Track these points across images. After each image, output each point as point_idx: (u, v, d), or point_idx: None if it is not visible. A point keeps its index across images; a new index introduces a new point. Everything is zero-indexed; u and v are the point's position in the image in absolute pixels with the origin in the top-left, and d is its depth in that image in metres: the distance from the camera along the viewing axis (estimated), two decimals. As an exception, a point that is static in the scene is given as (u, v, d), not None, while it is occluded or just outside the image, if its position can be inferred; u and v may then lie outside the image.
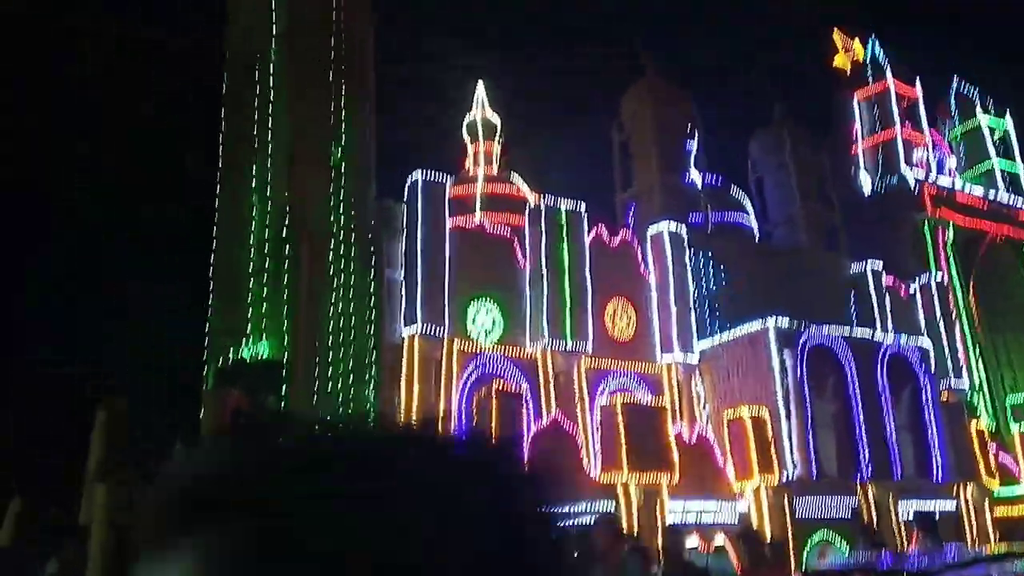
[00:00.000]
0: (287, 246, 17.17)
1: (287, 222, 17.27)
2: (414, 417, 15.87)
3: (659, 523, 20.37)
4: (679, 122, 28.74)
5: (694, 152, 29.65)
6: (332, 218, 18.15)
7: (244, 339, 16.81)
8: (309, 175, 17.63)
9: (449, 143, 25.74)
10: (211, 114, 19.56)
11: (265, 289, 17.06)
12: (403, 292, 20.23)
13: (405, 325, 20.13)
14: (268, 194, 17.77)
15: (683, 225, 25.21)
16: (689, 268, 24.83)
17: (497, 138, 25.95)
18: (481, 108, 26.06)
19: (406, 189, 20.92)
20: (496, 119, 26.09)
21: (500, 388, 19.65)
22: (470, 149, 26.04)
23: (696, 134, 29.62)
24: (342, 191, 18.20)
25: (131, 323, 22.84)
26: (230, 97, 19.03)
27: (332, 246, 17.70)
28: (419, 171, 20.78)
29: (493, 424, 18.92)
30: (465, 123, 26.25)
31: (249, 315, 17.11)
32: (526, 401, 20.54)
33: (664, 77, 29.13)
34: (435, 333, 20.19)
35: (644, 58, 29.80)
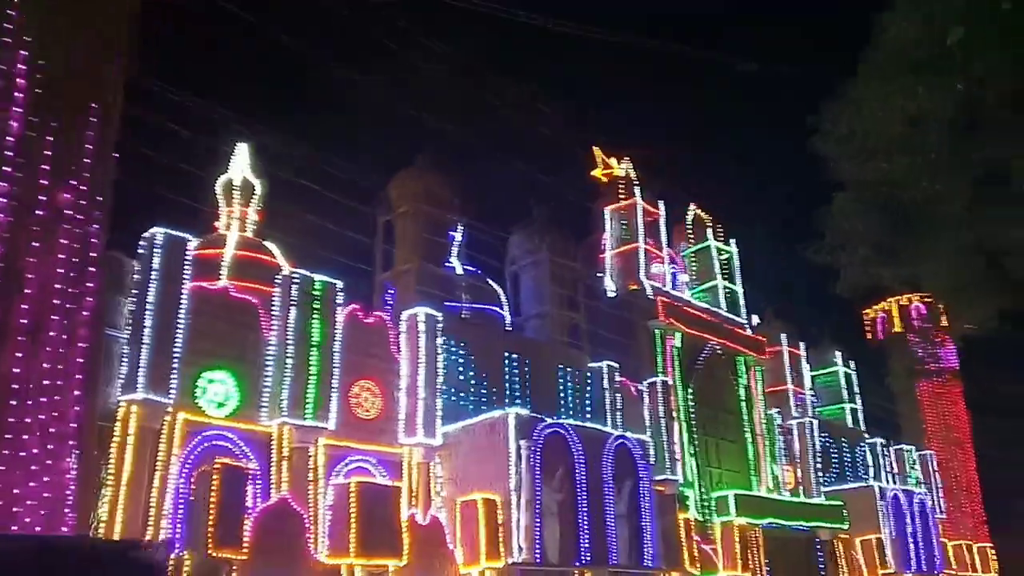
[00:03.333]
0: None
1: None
2: (123, 490, 13.81)
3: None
4: (444, 212, 28.73)
5: (456, 242, 29.71)
6: (48, 265, 15.88)
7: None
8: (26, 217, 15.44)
9: (201, 204, 23.69)
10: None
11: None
12: (125, 354, 18.12)
13: (124, 391, 17.86)
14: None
15: (439, 311, 24.75)
16: (441, 353, 24.30)
17: (254, 203, 24.32)
18: (240, 170, 24.32)
19: (141, 244, 18.84)
20: (256, 183, 24.46)
21: (226, 464, 17.98)
22: (223, 211, 24.15)
23: (459, 225, 29.73)
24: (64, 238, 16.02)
25: None
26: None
27: (44, 295, 15.44)
28: (158, 227, 18.94)
29: (213, 501, 17.25)
30: (220, 183, 24.24)
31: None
32: (254, 478, 18.92)
33: (433, 166, 29.13)
34: (158, 402, 18.10)
35: (417, 147, 29.72)
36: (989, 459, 54.93)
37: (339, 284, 22.20)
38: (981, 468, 54.02)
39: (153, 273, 18.54)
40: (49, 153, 16.32)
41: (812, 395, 43.10)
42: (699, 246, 38.73)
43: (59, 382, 15.80)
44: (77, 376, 15.99)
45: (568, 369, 28.84)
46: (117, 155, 17.64)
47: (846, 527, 34.58)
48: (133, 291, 18.47)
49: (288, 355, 20.65)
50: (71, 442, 15.33)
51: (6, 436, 14.76)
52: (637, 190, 36.19)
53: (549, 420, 23.55)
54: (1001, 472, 56.01)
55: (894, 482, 42.16)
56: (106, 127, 17.89)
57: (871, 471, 42.15)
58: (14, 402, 14.92)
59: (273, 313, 21.10)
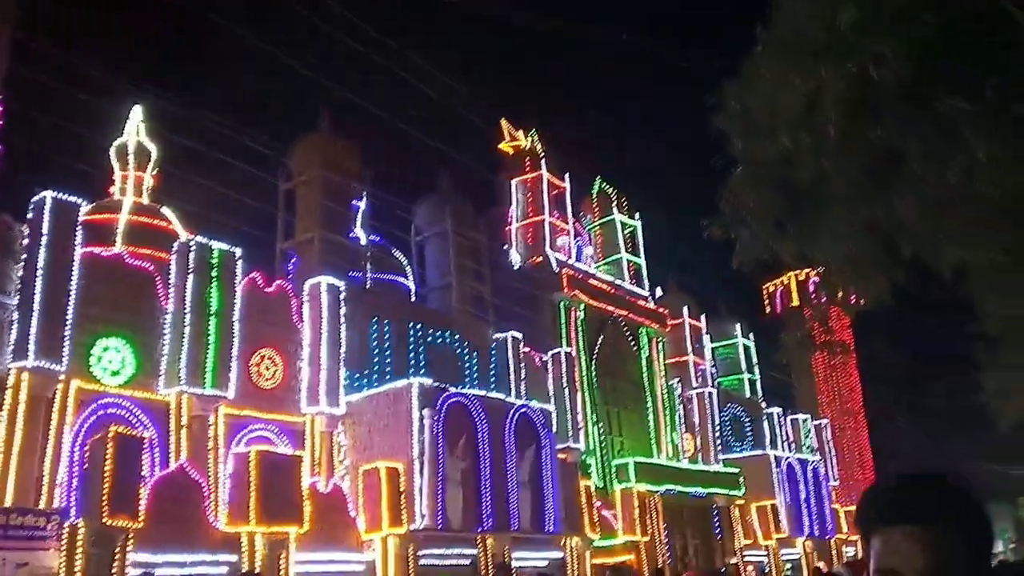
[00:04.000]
0: None
1: None
2: (15, 458, 13.97)
3: (285, 573, 19.90)
4: (348, 179, 29.05)
5: (361, 210, 30.10)
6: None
7: None
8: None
9: (94, 168, 23.49)
10: None
11: None
12: (15, 321, 18.02)
13: (14, 358, 17.79)
14: None
15: (342, 281, 25.14)
16: (344, 323, 24.75)
17: (150, 168, 24.18)
18: (135, 133, 24.15)
19: (31, 208, 18.65)
20: (151, 147, 24.31)
21: (120, 432, 18.13)
22: (118, 176, 23.93)
23: (363, 194, 30.12)
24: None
25: None
26: None
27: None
28: (48, 191, 18.82)
29: (108, 470, 17.41)
30: (114, 146, 24.01)
31: None
32: (152, 447, 19.15)
33: (337, 133, 29.37)
34: (50, 369, 18.13)
35: (321, 114, 29.82)
36: (880, 428, 58.78)
37: (238, 252, 22.37)
38: (873, 436, 57.77)
39: (43, 238, 18.44)
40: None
41: (712, 366, 45.21)
42: (604, 219, 40.10)
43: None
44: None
45: (473, 339, 29.69)
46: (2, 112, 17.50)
47: (742, 493, 36.58)
48: (22, 256, 18.39)
49: (186, 323, 20.82)
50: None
51: None
52: (543, 163, 37.20)
53: (452, 390, 24.34)
54: (891, 440, 59.94)
55: (789, 450, 44.54)
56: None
57: (767, 440, 44.47)
58: None
59: (170, 281, 21.20)
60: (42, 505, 17.19)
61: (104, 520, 17.13)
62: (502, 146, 38.38)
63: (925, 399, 60.69)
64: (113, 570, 17.03)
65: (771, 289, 58.12)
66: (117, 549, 17.26)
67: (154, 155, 24.18)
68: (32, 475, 17.40)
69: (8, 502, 16.79)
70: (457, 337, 29.26)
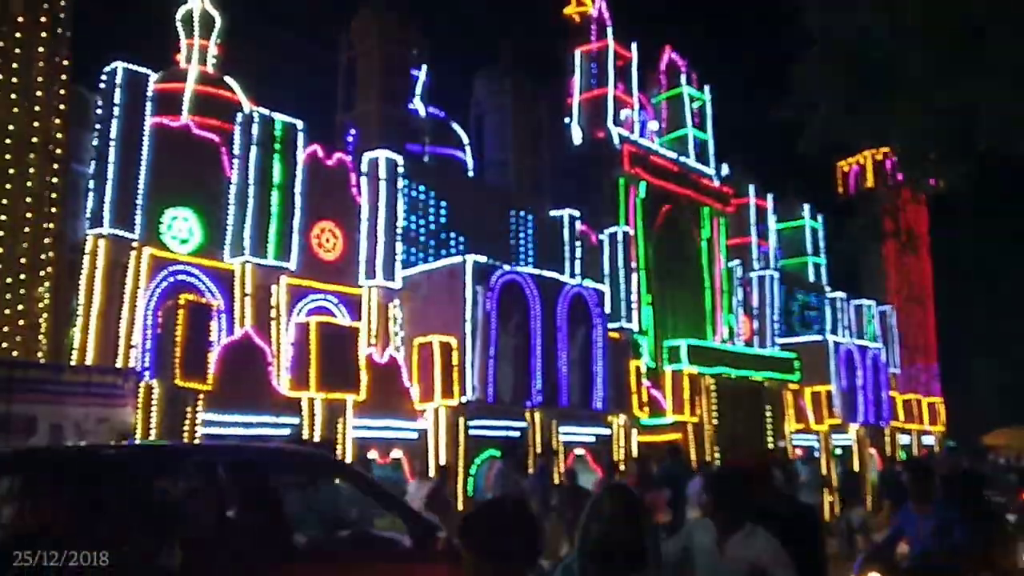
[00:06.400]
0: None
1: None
2: (94, 320, 15.66)
3: (343, 437, 21.81)
4: (406, 50, 29.49)
5: (420, 83, 30.68)
6: (12, 101, 17.10)
7: None
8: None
9: (161, 37, 24.51)
10: None
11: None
12: (91, 189, 19.55)
13: (91, 225, 19.40)
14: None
15: (400, 155, 26.07)
16: (401, 197, 25.89)
17: (215, 37, 25.07)
18: (199, 1, 24.98)
19: (103, 79, 19.86)
20: (216, 15, 25.07)
21: (191, 299, 19.81)
22: (184, 45, 24.95)
23: (423, 66, 30.62)
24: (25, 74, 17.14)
25: None
26: None
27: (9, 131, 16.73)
28: (119, 62, 19.93)
29: (179, 335, 19.16)
30: (180, 14, 24.84)
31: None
32: (219, 314, 20.88)
33: (396, 3, 29.62)
34: (124, 237, 19.76)
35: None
36: (949, 319, 58.82)
37: (300, 124, 23.45)
38: (940, 327, 57.83)
39: (115, 108, 19.77)
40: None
41: (776, 248, 45.46)
42: (671, 92, 39.80)
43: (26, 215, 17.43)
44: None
45: (528, 216, 30.63)
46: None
47: (797, 379, 37.48)
48: (96, 126, 19.78)
49: (249, 195, 22.22)
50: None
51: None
52: (609, 31, 36.83)
53: (506, 267, 25.48)
54: (959, 332, 60.08)
55: (851, 336, 45.23)
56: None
57: (828, 325, 45.20)
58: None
59: (234, 152, 22.48)
60: (119, 365, 19.13)
61: (176, 382, 19.00)
62: (567, 11, 38.04)
63: (1000, 291, 60.37)
64: (185, 428, 18.98)
65: (845, 168, 57.17)
66: (188, 409, 19.19)
67: (218, 23, 25.01)
68: (111, 337, 19.32)
69: (89, 362, 18.76)
70: (513, 213, 30.21)
